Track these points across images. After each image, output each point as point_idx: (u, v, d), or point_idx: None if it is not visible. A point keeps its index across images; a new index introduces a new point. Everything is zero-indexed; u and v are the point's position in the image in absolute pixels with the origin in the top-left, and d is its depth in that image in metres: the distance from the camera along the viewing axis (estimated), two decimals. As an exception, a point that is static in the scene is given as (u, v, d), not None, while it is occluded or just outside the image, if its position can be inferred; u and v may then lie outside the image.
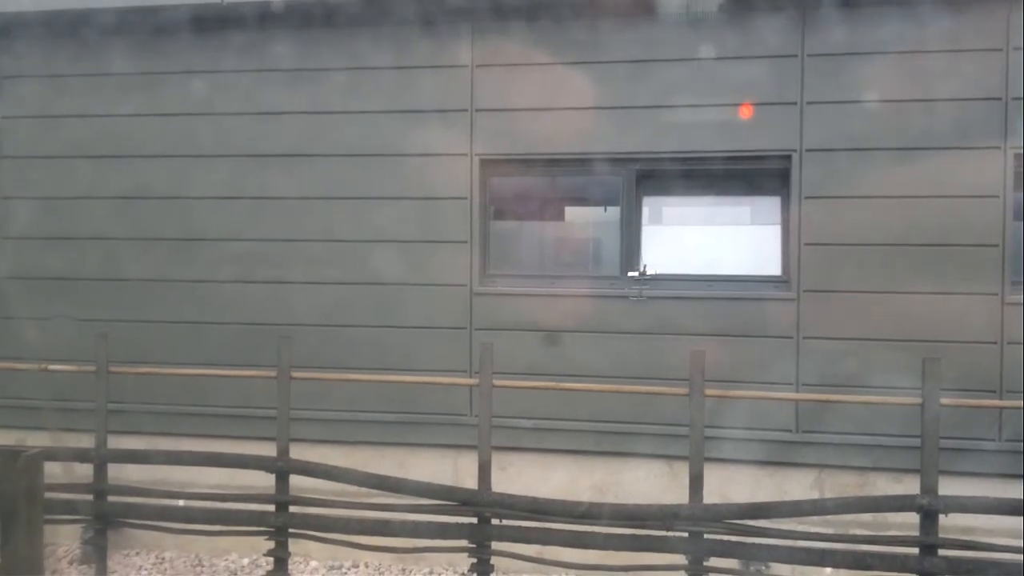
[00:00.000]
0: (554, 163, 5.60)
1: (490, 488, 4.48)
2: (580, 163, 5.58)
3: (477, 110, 5.55)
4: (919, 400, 4.13)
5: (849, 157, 5.13)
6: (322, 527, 4.62)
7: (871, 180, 5.10)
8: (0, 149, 6.09)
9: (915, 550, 4.10)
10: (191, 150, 5.84)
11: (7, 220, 6.08)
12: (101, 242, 5.94)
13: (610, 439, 5.36)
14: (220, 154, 5.82)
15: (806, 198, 5.18)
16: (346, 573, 5.51)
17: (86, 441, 5.00)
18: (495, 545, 4.49)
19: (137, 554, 5.75)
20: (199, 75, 5.84)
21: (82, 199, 5.97)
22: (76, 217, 5.97)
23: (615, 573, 4.47)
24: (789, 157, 5.22)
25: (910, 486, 4.59)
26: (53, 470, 5.13)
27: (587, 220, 6.04)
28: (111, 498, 4.91)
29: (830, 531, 4.33)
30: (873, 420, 4.97)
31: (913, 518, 4.17)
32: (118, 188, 5.93)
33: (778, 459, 5.18)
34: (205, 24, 5.71)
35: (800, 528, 4.33)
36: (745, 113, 5.28)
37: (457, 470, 5.43)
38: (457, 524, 4.51)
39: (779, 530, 4.23)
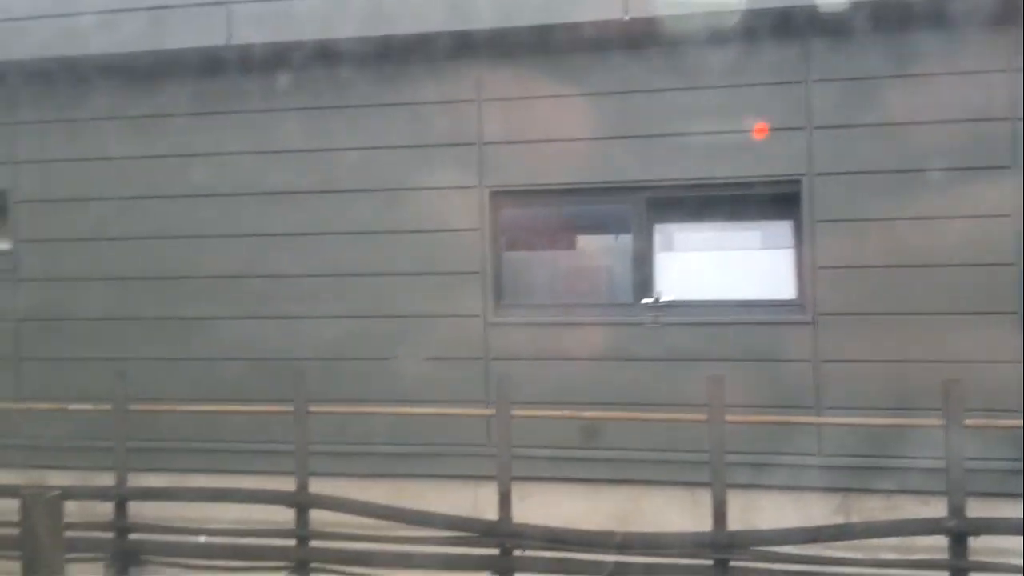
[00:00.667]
0: (564, 193, 5.63)
1: (511, 518, 4.45)
2: (590, 192, 5.60)
3: (485, 143, 5.59)
4: (941, 421, 4.10)
5: (860, 180, 5.14)
6: (344, 560, 4.59)
7: (883, 202, 5.10)
8: (17, 193, 6.16)
9: (945, 574, 4.04)
10: (203, 190, 5.88)
11: (24, 262, 6.13)
12: (116, 282, 5.98)
13: (629, 467, 5.32)
14: (232, 193, 5.86)
15: (818, 221, 5.18)
16: (367, 608, 5.45)
17: (106, 479, 4.99)
18: (517, 575, 4.45)
19: (157, 592, 5.71)
20: (209, 116, 5.91)
21: (96, 240, 6.02)
22: (91, 257, 6.02)
23: (640, 603, 4.42)
24: (799, 181, 5.23)
25: (937, 509, 4.54)
26: (74, 508, 5.12)
27: (599, 248, 6.06)
28: (132, 535, 4.89)
29: (857, 555, 4.27)
30: (897, 442, 4.92)
31: (942, 541, 4.12)
32: (131, 229, 5.97)
33: (801, 484, 5.13)
34: (216, 66, 5.78)
35: (827, 553, 4.28)
36: (754, 139, 5.31)
37: (477, 501, 5.39)
38: (479, 555, 4.47)
39: (805, 556, 4.19)
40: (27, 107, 6.17)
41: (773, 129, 5.28)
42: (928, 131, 5.05)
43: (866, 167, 5.12)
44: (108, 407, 4.98)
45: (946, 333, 4.94)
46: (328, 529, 4.66)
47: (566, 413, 4.81)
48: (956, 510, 4.03)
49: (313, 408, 4.73)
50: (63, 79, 5.95)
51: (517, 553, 4.45)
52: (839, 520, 5.06)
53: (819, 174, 5.20)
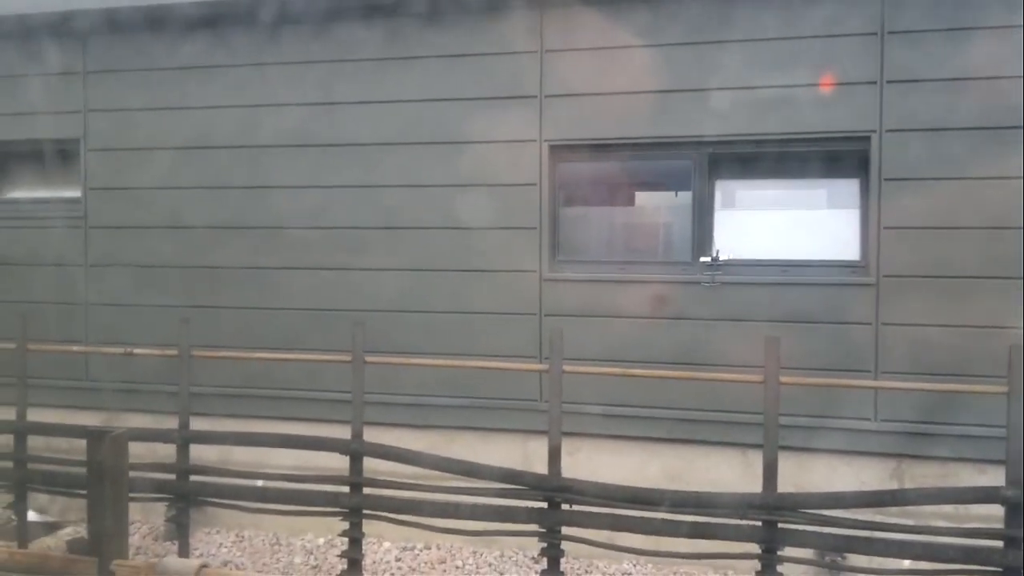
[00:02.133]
0: (624, 148, 5.55)
1: (560, 473, 4.47)
2: (651, 147, 5.51)
3: (546, 96, 5.53)
4: (1005, 389, 3.97)
5: (932, 137, 4.96)
6: (395, 509, 4.68)
7: (955, 161, 4.92)
8: (89, 141, 6.31)
9: (999, 543, 3.95)
10: (269, 140, 5.96)
11: (95, 210, 6.31)
12: (181, 231, 6.13)
13: (682, 426, 5.31)
14: (296, 144, 5.93)
15: (886, 180, 5.02)
16: (418, 554, 5.59)
17: (170, 423, 5.16)
18: (565, 530, 4.48)
19: (218, 532, 5.93)
20: (279, 66, 5.96)
21: (163, 189, 6.16)
22: (158, 205, 6.17)
23: (687, 560, 4.43)
24: (868, 138, 5.07)
25: (994, 477, 4.43)
26: (138, 450, 5.32)
27: (658, 205, 5.98)
28: (193, 478, 5.06)
29: (910, 522, 4.20)
30: (955, 409, 4.80)
31: (997, 510, 4.02)
32: (198, 178, 6.10)
33: (855, 448, 5.06)
34: (277, 15, 5.81)
35: (878, 519, 4.22)
36: (822, 93, 5.14)
37: (527, 455, 5.44)
38: (527, 508, 4.52)
39: (856, 520, 4.13)
40: (98, 56, 6.29)
41: (842, 83, 5.11)
42: (1006, 87, 4.83)
43: (938, 124, 4.93)
44: (172, 353, 5.12)
45: (1014, 299, 4.77)
46: (381, 477, 4.74)
47: (617, 371, 4.79)
48: (1014, 480, 3.92)
49: (369, 359, 4.80)
50: (134, 27, 6.05)
51: (565, 507, 4.48)
52: (892, 486, 4.99)
53: (889, 130, 5.03)
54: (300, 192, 5.93)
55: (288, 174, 5.94)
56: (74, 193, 6.41)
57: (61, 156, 6.42)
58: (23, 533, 5.31)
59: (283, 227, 5.96)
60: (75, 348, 5.88)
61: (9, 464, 5.27)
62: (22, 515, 5.30)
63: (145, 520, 6.03)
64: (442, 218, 5.69)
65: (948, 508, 4.68)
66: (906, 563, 4.18)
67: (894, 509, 4.39)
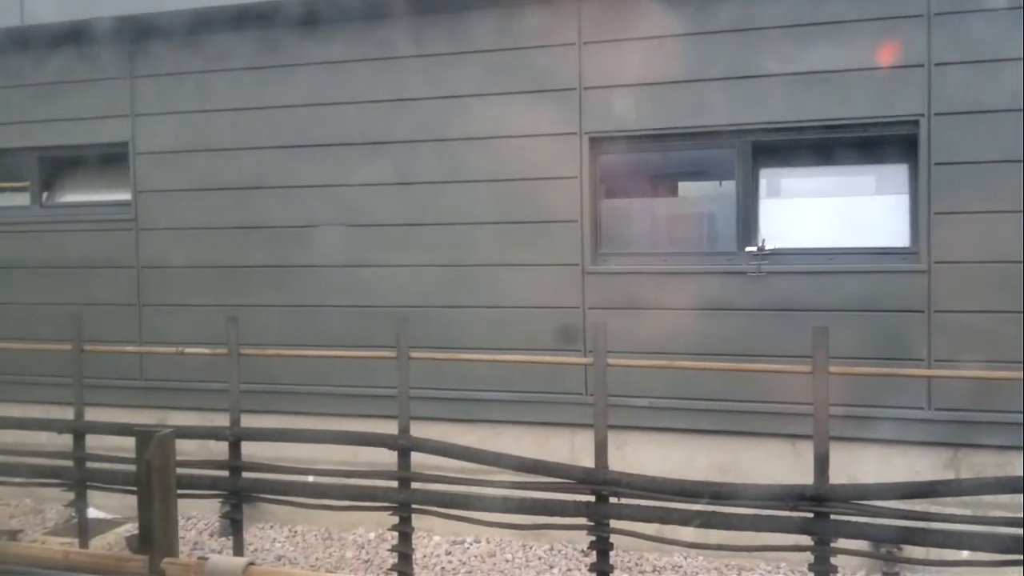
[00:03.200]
0: (665, 138, 5.51)
1: (607, 467, 4.46)
2: (692, 137, 5.46)
3: (586, 88, 5.51)
4: (1063, 375, 3.87)
5: (982, 121, 4.84)
6: (443, 503, 4.71)
7: (1006, 145, 4.80)
8: (138, 144, 6.44)
9: (1060, 533, 3.85)
10: (312, 141, 6.03)
11: (144, 212, 6.44)
12: (229, 231, 6.23)
13: (729, 418, 5.26)
14: (334, 143, 5.98)
15: (936, 164, 4.92)
16: (468, 548, 5.62)
17: (221, 420, 5.24)
18: (613, 523, 4.47)
19: (271, 527, 6.03)
20: (310, 67, 6.02)
21: (211, 190, 6.27)
22: (206, 207, 6.27)
23: (738, 553, 4.39)
24: (917, 122, 4.97)
25: (1054, 466, 4.33)
26: (190, 448, 5.42)
27: (701, 195, 5.93)
28: (245, 474, 5.14)
29: (967, 512, 4.12)
30: (1011, 397, 4.69)
31: (1058, 500, 3.92)
32: (244, 179, 6.19)
33: (909, 438, 4.97)
34: (315, 16, 5.86)
35: (934, 509, 4.14)
36: (868, 77, 5.04)
37: (574, 448, 5.44)
38: (575, 502, 4.52)
39: (911, 511, 4.05)
40: (147, 60, 6.40)
41: (890, 67, 5.01)
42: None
43: (988, 107, 4.81)
44: (222, 351, 5.20)
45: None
46: (428, 472, 4.78)
47: (662, 363, 4.75)
48: (1076, 469, 3.82)
49: (414, 354, 4.83)
50: (181, 31, 6.13)
51: (613, 500, 4.47)
52: (948, 475, 4.90)
53: (938, 114, 4.92)
54: (343, 190, 5.98)
55: (334, 173, 6.00)
56: (125, 196, 6.54)
57: (110, 160, 6.56)
58: (85, 530, 5.44)
59: (329, 224, 6.01)
60: (129, 348, 6.01)
61: (69, 463, 5.40)
62: (82, 513, 5.43)
63: (201, 517, 6.15)
64: (484, 213, 5.70)
65: (1005, 498, 4.57)
66: (964, 554, 4.09)
67: (950, 499, 4.31)
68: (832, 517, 4.13)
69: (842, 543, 4.15)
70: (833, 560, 4.11)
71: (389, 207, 5.87)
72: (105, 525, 6.02)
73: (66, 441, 5.40)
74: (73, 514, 5.57)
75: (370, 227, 5.93)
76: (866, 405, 4.91)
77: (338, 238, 5.99)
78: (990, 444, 4.83)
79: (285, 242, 6.10)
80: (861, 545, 4.30)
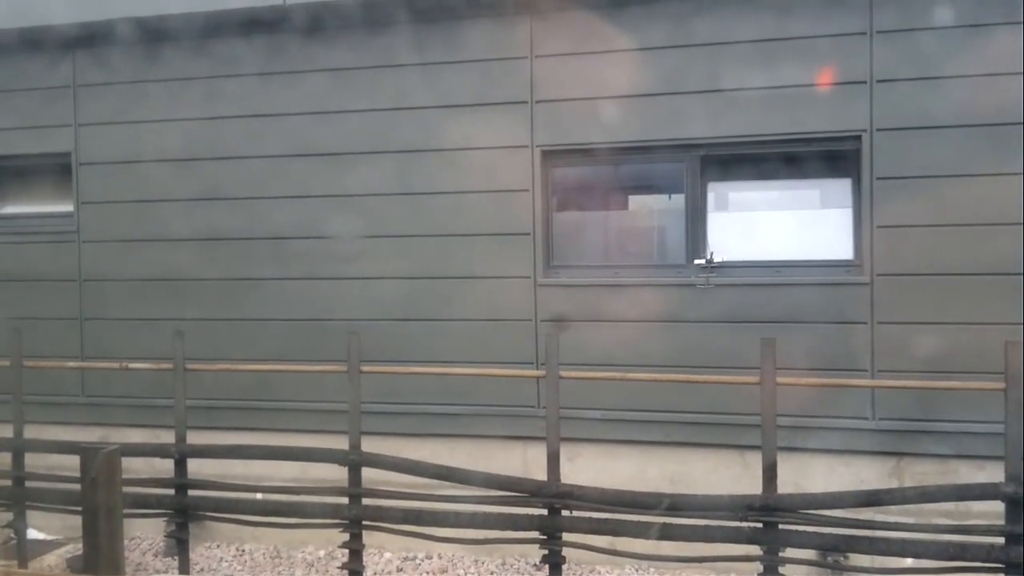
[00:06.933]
0: (616, 152, 5.55)
1: (559, 479, 4.47)
2: (643, 151, 5.52)
3: (537, 101, 5.53)
4: (1002, 385, 3.98)
5: (922, 136, 4.97)
6: (395, 519, 4.67)
7: (946, 159, 4.93)
8: (80, 155, 6.30)
9: (1000, 539, 3.96)
10: (257, 151, 5.96)
11: (86, 224, 6.30)
12: (174, 243, 6.11)
13: (680, 429, 5.31)
14: (283, 154, 5.93)
15: (878, 179, 5.03)
16: (420, 564, 5.57)
17: (166, 437, 5.14)
18: (566, 536, 4.48)
19: (218, 546, 5.91)
20: (263, 77, 5.95)
21: (155, 202, 6.15)
22: (151, 218, 6.15)
23: (688, 564, 4.42)
24: (859, 137, 5.08)
25: (993, 474, 4.43)
26: (135, 465, 5.30)
27: (651, 208, 5.98)
28: (191, 492, 5.04)
29: (910, 520, 4.20)
30: (953, 406, 4.81)
31: (998, 507, 4.03)
32: (189, 191, 6.08)
33: (855, 448, 5.06)
34: (264, 27, 5.81)
35: (879, 518, 4.22)
36: (811, 93, 5.15)
37: (526, 461, 5.43)
38: (527, 515, 4.51)
39: (857, 520, 4.13)
40: (89, 70, 6.27)
41: (833, 83, 5.12)
42: (995, 85, 4.84)
43: (929, 123, 4.94)
44: (167, 366, 5.10)
45: (1008, 295, 4.79)
46: (379, 487, 4.73)
47: (615, 375, 4.78)
48: (1013, 475, 3.92)
49: (365, 368, 4.79)
50: (123, 42, 6.03)
51: (565, 513, 4.47)
52: (892, 484, 4.99)
53: (880, 129, 5.04)
54: (291, 202, 5.92)
55: (279, 184, 5.93)
56: (67, 207, 6.39)
57: (52, 170, 6.42)
58: (23, 551, 5.28)
59: (275, 237, 5.94)
60: (71, 364, 5.87)
61: (7, 482, 5.25)
62: (21, 534, 5.28)
63: (146, 536, 6.01)
64: (435, 225, 5.68)
65: (949, 505, 4.69)
66: (908, 561, 4.17)
67: (895, 508, 4.39)
68: (780, 527, 4.19)
69: (790, 552, 4.21)
70: (781, 569, 4.18)
71: (339, 220, 5.82)
72: (45, 546, 5.85)
73: (4, 460, 5.25)
74: (12, 535, 5.41)
75: (320, 240, 5.87)
76: (813, 416, 4.99)
77: (288, 251, 5.92)
78: (932, 453, 4.94)
79: (233, 254, 6.01)
80: (809, 554, 4.36)
